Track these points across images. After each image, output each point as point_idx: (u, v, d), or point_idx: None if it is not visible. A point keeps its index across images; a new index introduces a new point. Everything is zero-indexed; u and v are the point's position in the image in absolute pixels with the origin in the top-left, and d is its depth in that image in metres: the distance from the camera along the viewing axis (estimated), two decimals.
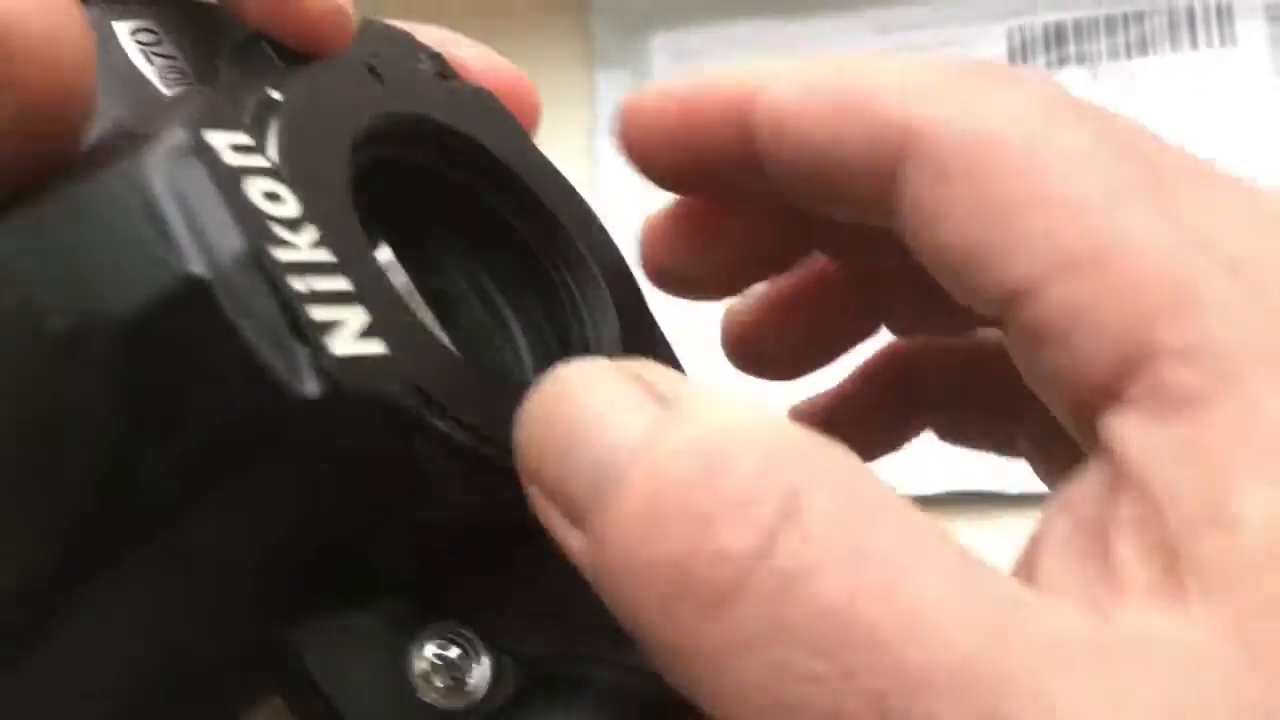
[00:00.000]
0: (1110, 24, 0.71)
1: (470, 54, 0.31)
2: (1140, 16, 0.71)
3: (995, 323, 0.23)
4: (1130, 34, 0.71)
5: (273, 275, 0.18)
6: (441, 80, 0.29)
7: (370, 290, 0.19)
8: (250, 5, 0.25)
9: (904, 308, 0.31)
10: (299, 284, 0.18)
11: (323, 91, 0.23)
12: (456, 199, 0.27)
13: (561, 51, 0.76)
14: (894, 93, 0.24)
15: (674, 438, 0.19)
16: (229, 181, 0.18)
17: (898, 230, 0.24)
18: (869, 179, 0.24)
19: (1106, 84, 0.71)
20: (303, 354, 0.18)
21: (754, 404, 0.20)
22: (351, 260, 0.19)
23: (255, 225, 0.18)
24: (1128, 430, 0.20)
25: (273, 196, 0.19)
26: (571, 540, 0.20)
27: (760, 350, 0.31)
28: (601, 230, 0.29)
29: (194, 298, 0.17)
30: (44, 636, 0.19)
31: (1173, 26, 0.71)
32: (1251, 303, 0.19)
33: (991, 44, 0.72)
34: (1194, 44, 0.70)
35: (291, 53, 0.25)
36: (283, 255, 0.18)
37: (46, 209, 0.18)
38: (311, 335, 0.18)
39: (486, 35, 0.32)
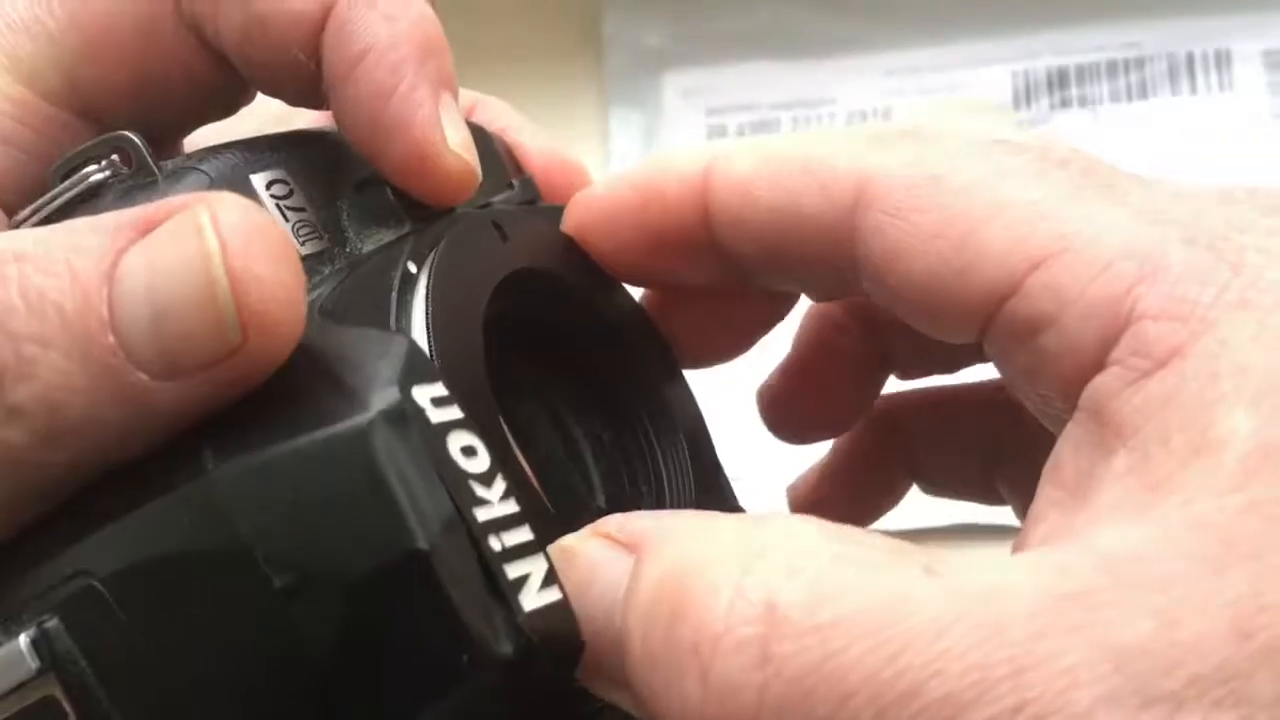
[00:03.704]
0: (1111, 68, 0.73)
1: (535, 145, 0.33)
2: (1141, 61, 0.73)
3: (973, 346, 0.24)
4: (1131, 78, 0.73)
5: (476, 539, 0.20)
6: (534, 211, 0.30)
7: (543, 533, 0.21)
8: (389, 163, 0.26)
9: (905, 355, 0.32)
10: (496, 543, 0.20)
11: (457, 265, 0.25)
12: (545, 333, 0.28)
13: (575, 91, 0.77)
14: (845, 151, 0.25)
15: (646, 581, 0.20)
16: (437, 444, 0.20)
17: (863, 281, 0.25)
18: (828, 235, 0.25)
19: (1108, 127, 0.72)
20: (499, 615, 0.20)
21: (708, 517, 0.21)
22: (529, 502, 0.21)
23: (461, 490, 0.20)
24: (1112, 390, 0.21)
25: (469, 451, 0.20)
26: (620, 699, 0.21)
27: (793, 416, 0.33)
28: (670, 358, 0.30)
29: (414, 567, 0.19)
30: None
31: (1172, 71, 0.72)
32: (1215, 262, 0.21)
33: (996, 87, 0.74)
34: (1193, 89, 0.72)
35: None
36: (482, 515, 0.20)
37: (262, 456, 0.20)
38: (508, 595, 0.20)
39: (501, 75, 0.34)
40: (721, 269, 0.28)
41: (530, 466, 0.24)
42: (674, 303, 0.31)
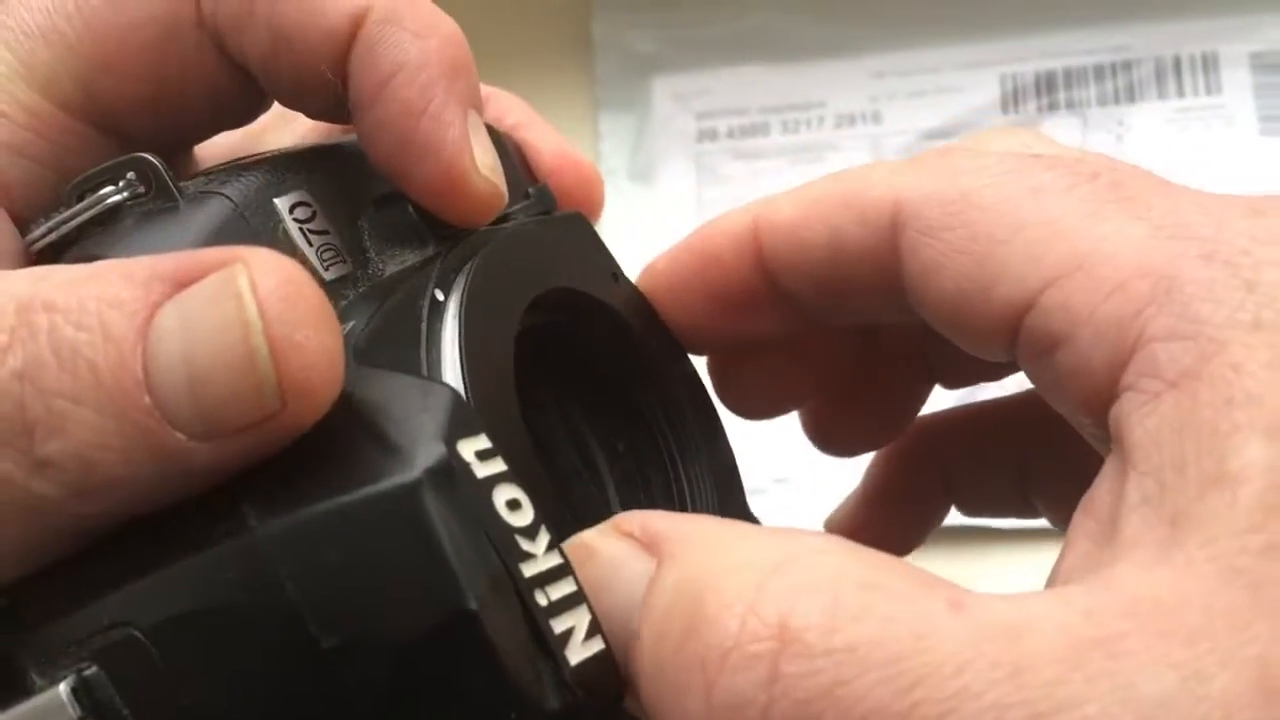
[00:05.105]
0: (1099, 72, 0.73)
1: (546, 142, 0.32)
2: (1128, 65, 0.73)
3: (1006, 360, 0.24)
4: (1119, 82, 0.73)
5: (523, 595, 0.20)
6: (549, 222, 0.29)
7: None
8: (417, 183, 0.25)
9: (949, 365, 0.32)
10: (542, 598, 0.20)
11: (485, 292, 0.24)
12: (559, 341, 0.28)
13: (565, 94, 0.77)
14: (879, 178, 0.25)
15: (662, 588, 0.20)
16: (483, 500, 0.20)
17: (908, 299, 0.25)
18: (872, 262, 0.26)
19: (1096, 130, 0.72)
20: (546, 669, 0.20)
21: (734, 526, 0.21)
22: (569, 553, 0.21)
23: (507, 546, 0.20)
24: (1129, 416, 0.20)
25: (513, 505, 0.20)
26: (627, 702, 0.21)
27: (839, 430, 0.33)
28: (686, 362, 0.30)
29: (464, 627, 0.19)
30: None
31: (1160, 75, 0.72)
32: (1229, 279, 0.20)
33: (984, 90, 0.74)
34: (1180, 92, 0.72)
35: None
36: (528, 570, 0.20)
37: (306, 515, 0.19)
38: (554, 650, 0.20)
39: (492, 79, 0.34)
40: (784, 317, 0.28)
41: (552, 483, 0.24)
42: (740, 360, 0.31)
